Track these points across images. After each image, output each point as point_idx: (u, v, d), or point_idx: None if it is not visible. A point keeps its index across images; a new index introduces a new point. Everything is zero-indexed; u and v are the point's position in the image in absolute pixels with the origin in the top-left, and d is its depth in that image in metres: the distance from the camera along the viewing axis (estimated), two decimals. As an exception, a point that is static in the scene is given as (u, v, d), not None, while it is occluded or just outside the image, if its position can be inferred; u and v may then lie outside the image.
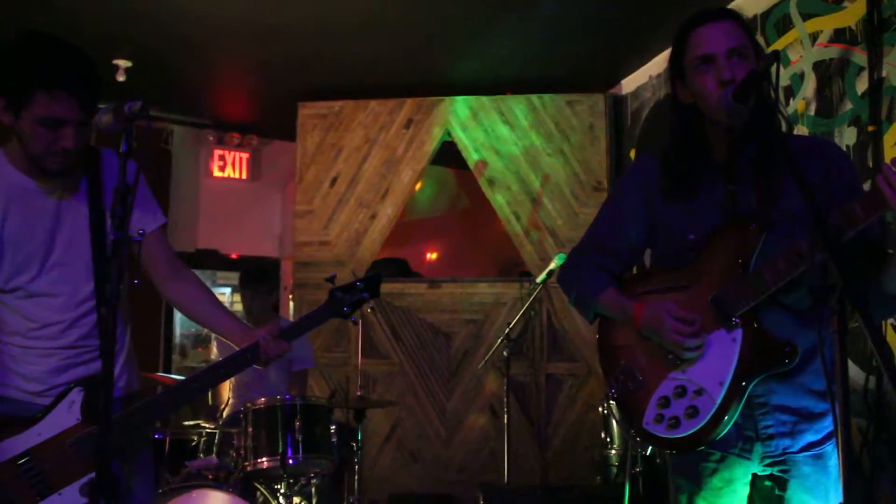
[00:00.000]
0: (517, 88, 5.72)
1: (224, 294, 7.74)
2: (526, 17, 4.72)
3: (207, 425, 4.10)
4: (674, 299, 1.93)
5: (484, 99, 5.79)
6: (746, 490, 1.96)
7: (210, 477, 3.56)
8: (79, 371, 2.19)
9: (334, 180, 5.91)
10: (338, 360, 5.69)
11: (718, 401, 1.85)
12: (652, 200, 2.05)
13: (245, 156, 7.32)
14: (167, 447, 3.92)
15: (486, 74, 5.60)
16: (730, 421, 1.85)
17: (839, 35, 3.72)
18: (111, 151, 2.27)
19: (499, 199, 5.77)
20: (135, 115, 1.85)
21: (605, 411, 4.46)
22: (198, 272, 2.51)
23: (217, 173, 7.21)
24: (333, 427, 3.74)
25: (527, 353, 5.49)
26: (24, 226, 2.15)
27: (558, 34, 4.96)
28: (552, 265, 4.54)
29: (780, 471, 1.90)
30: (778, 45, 4.06)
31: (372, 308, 4.78)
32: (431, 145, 5.85)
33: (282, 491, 3.64)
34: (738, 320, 1.86)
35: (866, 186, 1.81)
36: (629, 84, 5.69)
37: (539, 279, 4.70)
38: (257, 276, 4.63)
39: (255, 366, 2.30)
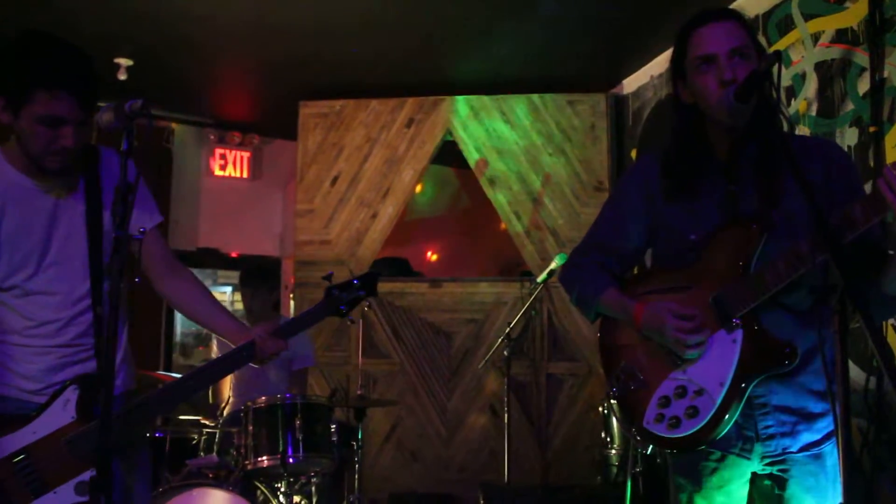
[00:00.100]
0: (518, 88, 5.72)
1: (225, 293, 7.73)
2: (527, 16, 4.72)
3: (208, 424, 4.10)
4: (674, 300, 1.93)
5: (485, 98, 5.79)
6: (746, 489, 1.97)
7: (210, 475, 3.57)
8: (75, 369, 2.19)
9: (335, 179, 5.90)
10: (338, 360, 5.69)
11: (718, 401, 1.85)
12: (653, 200, 2.05)
13: (246, 155, 7.32)
14: (167, 446, 3.91)
15: (487, 74, 5.59)
16: (730, 421, 1.86)
17: (841, 35, 3.71)
18: (110, 150, 2.28)
19: (500, 199, 5.77)
20: (135, 114, 1.86)
21: (606, 411, 4.46)
22: (198, 271, 2.51)
23: (218, 172, 7.21)
24: (334, 426, 3.74)
25: (527, 353, 5.48)
26: (21, 224, 2.15)
27: (559, 34, 4.96)
28: (553, 265, 4.54)
29: (779, 470, 1.91)
30: (780, 45, 4.06)
31: (369, 305, 4.77)
32: (432, 145, 5.85)
33: (282, 490, 3.65)
34: (738, 321, 1.87)
35: (867, 187, 1.81)
36: (630, 84, 5.69)
37: (540, 279, 4.69)
38: (258, 275, 4.63)
39: (252, 364, 2.30)
